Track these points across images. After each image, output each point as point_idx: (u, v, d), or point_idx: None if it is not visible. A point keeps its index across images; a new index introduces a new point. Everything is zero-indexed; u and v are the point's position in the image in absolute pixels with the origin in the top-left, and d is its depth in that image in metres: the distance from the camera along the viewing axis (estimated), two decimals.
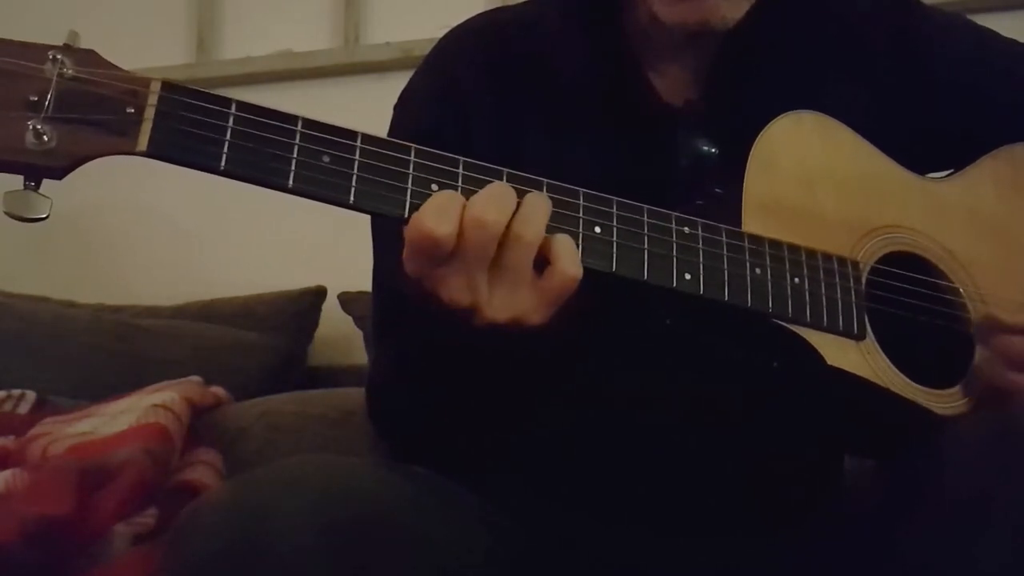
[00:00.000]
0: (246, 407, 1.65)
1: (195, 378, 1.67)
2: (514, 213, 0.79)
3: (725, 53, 0.99)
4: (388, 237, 0.97)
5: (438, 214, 0.77)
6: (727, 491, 0.98)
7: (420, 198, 0.79)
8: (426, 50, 1.11)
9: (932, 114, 1.05)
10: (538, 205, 0.80)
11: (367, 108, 1.09)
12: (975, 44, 1.10)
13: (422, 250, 0.78)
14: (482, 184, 0.80)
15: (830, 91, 1.00)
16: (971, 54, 1.08)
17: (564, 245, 0.80)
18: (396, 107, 1.08)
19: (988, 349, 0.96)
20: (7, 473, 1.35)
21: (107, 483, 1.34)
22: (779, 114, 0.95)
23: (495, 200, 0.79)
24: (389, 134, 1.02)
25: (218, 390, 1.67)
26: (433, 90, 1.05)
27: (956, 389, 0.95)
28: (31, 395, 1.64)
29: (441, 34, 1.10)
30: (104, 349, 1.81)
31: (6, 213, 0.70)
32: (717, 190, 0.94)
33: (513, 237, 0.78)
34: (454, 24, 1.10)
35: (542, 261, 0.80)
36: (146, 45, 2.10)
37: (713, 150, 0.99)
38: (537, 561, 0.94)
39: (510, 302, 0.79)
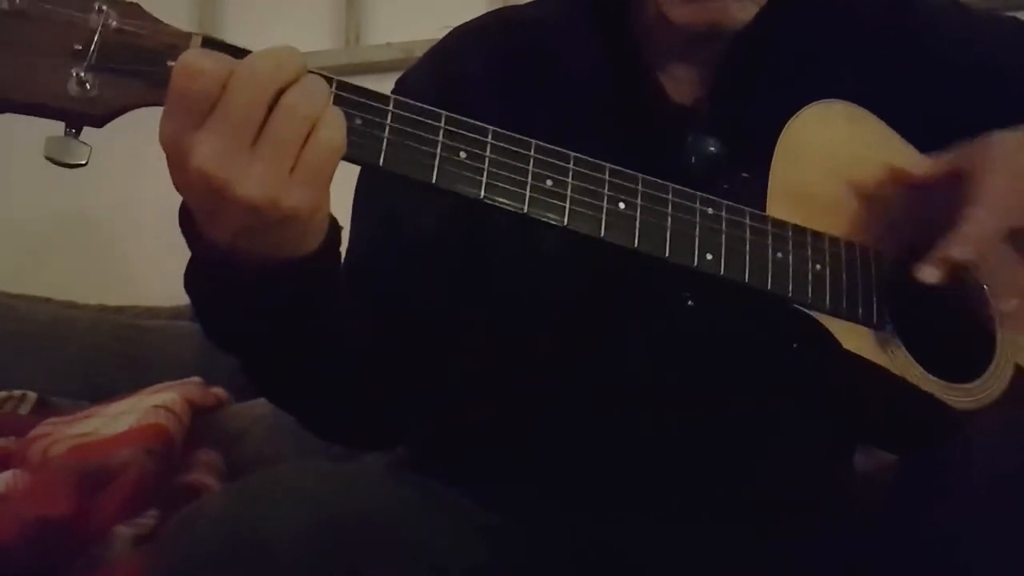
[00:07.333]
0: (247, 408, 1.64)
1: (196, 379, 1.67)
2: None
3: (734, 52, 0.99)
4: (363, 224, 0.98)
5: (205, 54, 0.71)
6: (737, 483, 0.97)
7: (448, 163, 0.78)
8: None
9: (938, 103, 1.03)
10: (319, 83, 0.73)
11: None
12: (963, 23, 1.09)
13: (183, 98, 0.70)
14: (511, 155, 0.80)
15: (838, 89, 0.99)
16: (962, 34, 1.07)
17: (333, 115, 0.73)
18: (393, 91, 1.07)
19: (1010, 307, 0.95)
20: (8, 474, 1.35)
21: (108, 484, 1.34)
22: (788, 113, 0.95)
23: (273, 60, 0.71)
24: None
25: (219, 391, 1.67)
26: (432, 80, 1.04)
27: (975, 384, 0.94)
28: (32, 396, 1.65)
29: (442, 34, 1.10)
30: (105, 350, 1.81)
31: (47, 158, 0.71)
32: (744, 175, 0.94)
33: (287, 106, 0.70)
34: (455, 24, 1.10)
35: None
36: None
37: (721, 150, 0.98)
38: (536, 565, 0.93)
39: (270, 178, 0.71)
